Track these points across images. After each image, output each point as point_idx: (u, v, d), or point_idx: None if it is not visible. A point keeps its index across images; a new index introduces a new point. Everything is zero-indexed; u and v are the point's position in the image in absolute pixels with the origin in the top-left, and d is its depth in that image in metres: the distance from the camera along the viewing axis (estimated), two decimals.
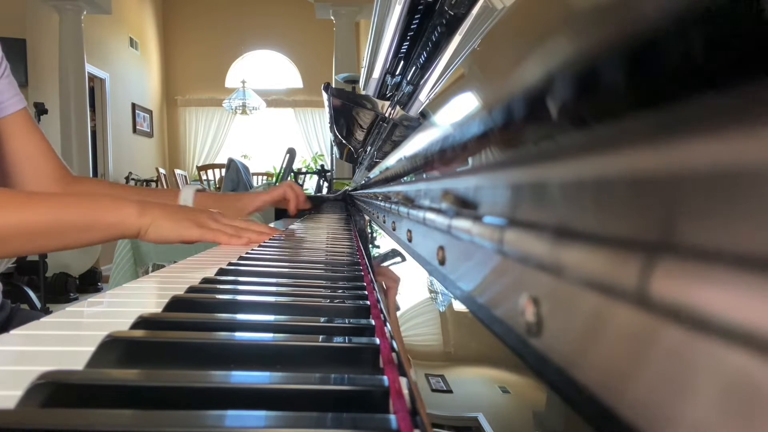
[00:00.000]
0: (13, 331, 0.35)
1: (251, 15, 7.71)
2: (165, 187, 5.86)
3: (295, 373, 0.27)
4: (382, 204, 0.67)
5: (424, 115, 0.43)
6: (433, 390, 0.26)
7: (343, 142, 1.73)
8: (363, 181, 1.37)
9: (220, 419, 0.22)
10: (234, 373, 0.27)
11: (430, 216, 0.31)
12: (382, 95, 0.87)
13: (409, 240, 0.44)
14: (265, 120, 8.00)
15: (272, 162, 7.09)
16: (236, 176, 3.67)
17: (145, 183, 6.30)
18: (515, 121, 0.18)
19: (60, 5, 4.92)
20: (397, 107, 0.77)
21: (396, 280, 0.53)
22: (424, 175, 0.40)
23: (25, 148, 0.94)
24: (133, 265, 2.14)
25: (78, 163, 4.92)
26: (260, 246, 0.82)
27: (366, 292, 0.46)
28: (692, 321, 0.09)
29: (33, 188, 0.95)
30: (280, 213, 1.86)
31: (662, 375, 0.10)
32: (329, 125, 1.77)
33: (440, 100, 0.36)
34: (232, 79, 7.93)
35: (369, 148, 1.36)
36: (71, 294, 3.63)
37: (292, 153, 3.66)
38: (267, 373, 0.27)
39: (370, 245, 0.87)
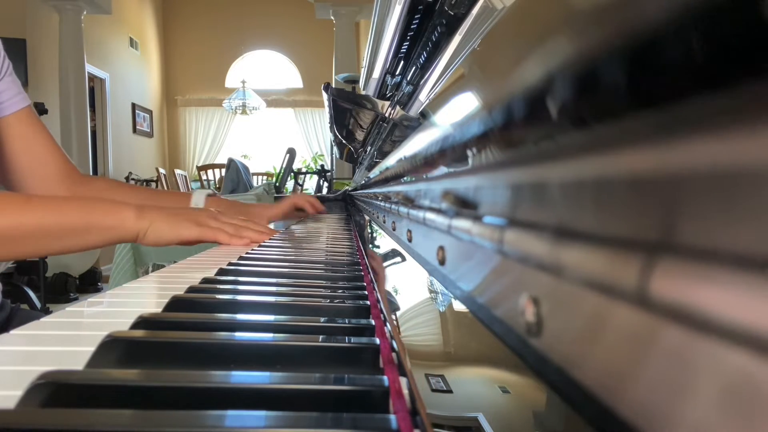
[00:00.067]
0: (13, 331, 0.35)
1: (251, 15, 7.71)
2: (165, 187, 5.86)
3: (295, 373, 0.27)
4: (382, 204, 0.67)
5: (424, 115, 0.43)
6: (433, 390, 0.26)
7: (343, 142, 1.73)
8: (363, 181, 1.37)
9: (220, 419, 0.22)
10: (234, 373, 0.27)
11: (430, 216, 0.31)
12: (382, 95, 0.87)
13: (409, 240, 0.44)
14: (265, 120, 8.00)
15: (272, 162, 7.09)
16: (236, 176, 3.67)
17: (145, 183, 6.29)
18: (515, 121, 0.18)
19: (60, 5, 4.92)
20: (397, 107, 0.77)
21: (380, 261, 0.54)
22: (424, 175, 0.39)
23: (30, 147, 0.93)
24: (133, 265, 2.14)
25: (78, 163, 4.89)
26: (260, 246, 0.82)
27: (366, 292, 0.46)
28: (692, 321, 0.09)
29: (40, 187, 0.94)
30: None
31: (662, 375, 0.10)
32: (329, 125, 1.77)
33: (440, 100, 0.36)
34: (232, 79, 7.93)
35: (369, 148, 1.36)
36: (71, 294, 3.63)
37: (292, 153, 3.66)
38: (267, 373, 0.27)
39: (370, 245, 0.87)
